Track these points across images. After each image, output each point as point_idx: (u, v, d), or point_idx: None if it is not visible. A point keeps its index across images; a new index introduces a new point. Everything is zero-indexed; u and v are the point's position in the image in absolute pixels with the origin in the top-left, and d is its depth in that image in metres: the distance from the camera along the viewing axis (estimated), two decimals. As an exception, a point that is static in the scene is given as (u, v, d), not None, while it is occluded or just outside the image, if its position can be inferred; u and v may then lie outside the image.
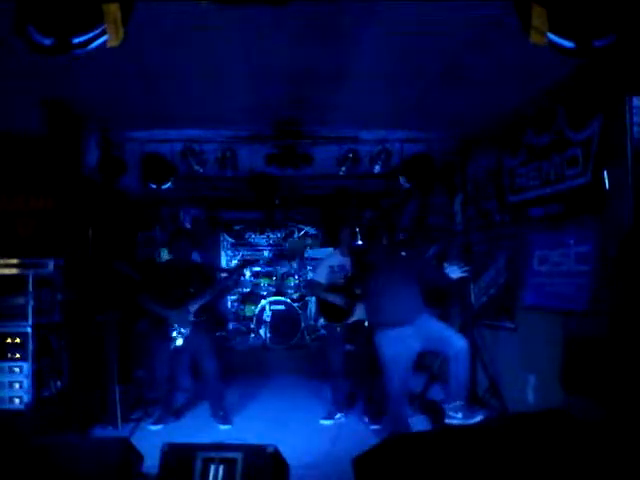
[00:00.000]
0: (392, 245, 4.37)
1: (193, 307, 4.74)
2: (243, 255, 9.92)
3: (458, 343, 3.92)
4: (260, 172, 5.86)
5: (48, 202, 4.65)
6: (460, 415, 3.94)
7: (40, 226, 4.61)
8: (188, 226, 8.84)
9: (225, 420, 4.84)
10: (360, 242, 5.93)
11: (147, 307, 4.79)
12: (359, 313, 4.91)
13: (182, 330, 4.69)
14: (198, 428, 4.73)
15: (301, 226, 10.02)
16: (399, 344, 3.93)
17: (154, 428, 4.74)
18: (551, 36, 2.35)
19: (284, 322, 8.19)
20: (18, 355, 4.16)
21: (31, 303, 4.21)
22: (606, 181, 3.50)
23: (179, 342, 4.68)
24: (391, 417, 4.13)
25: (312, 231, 10.00)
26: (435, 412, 4.74)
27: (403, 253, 4.27)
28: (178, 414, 5.17)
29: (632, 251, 3.25)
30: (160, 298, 4.74)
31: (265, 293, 9.05)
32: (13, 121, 4.61)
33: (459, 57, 3.64)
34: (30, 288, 4.22)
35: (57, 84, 4.00)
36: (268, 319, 8.15)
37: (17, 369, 4.15)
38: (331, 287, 5.07)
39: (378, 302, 4.12)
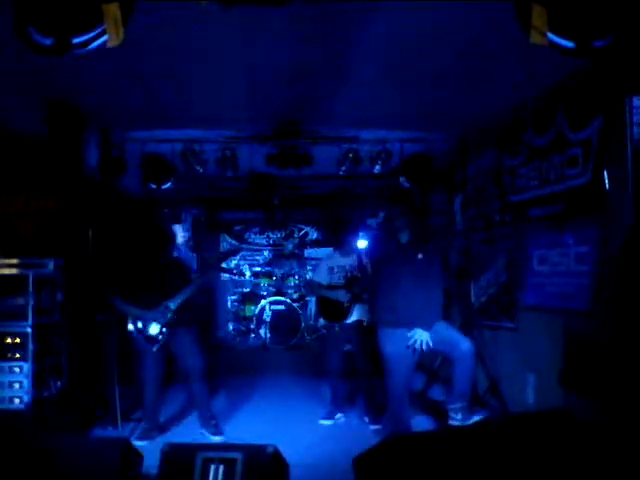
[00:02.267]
0: (411, 244, 4.23)
1: (173, 304, 4.40)
2: (243, 255, 9.93)
3: (465, 346, 3.91)
4: (260, 172, 5.87)
5: (48, 202, 4.65)
6: (460, 416, 3.94)
7: (40, 226, 4.61)
8: (186, 226, 8.83)
9: (217, 430, 4.50)
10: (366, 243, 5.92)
11: (120, 309, 4.47)
12: (359, 313, 4.92)
13: (159, 334, 4.37)
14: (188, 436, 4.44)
15: (301, 226, 10.03)
16: (402, 343, 3.92)
17: (139, 444, 3.99)
18: (551, 36, 2.35)
19: (284, 322, 8.19)
20: (18, 355, 4.16)
21: (31, 303, 4.20)
22: (606, 181, 3.50)
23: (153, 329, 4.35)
24: (392, 417, 4.13)
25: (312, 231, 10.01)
26: (436, 413, 4.74)
27: (420, 255, 4.10)
28: (163, 428, 4.75)
29: (633, 251, 3.25)
30: (135, 296, 4.44)
31: (265, 293, 9.05)
32: (13, 121, 4.62)
33: (459, 57, 3.64)
34: (30, 288, 4.21)
35: (57, 84, 4.00)
36: (268, 319, 8.16)
37: (17, 369, 4.15)
38: (331, 287, 5.08)
39: (388, 301, 4.03)
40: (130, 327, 4.44)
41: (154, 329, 4.39)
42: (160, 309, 4.40)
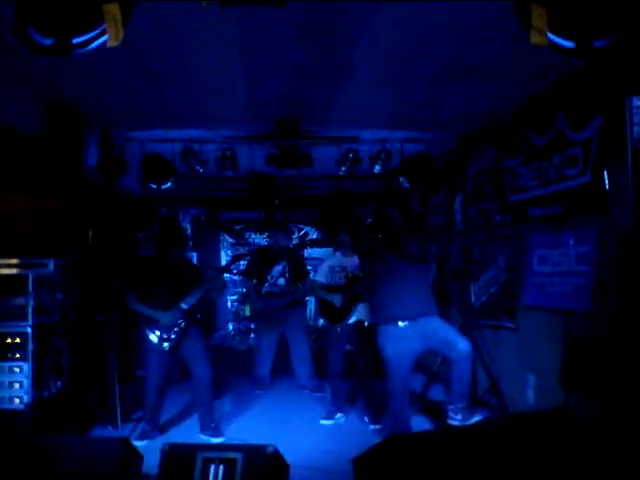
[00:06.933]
0: (400, 240, 4.24)
1: (186, 304, 4.42)
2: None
3: (462, 346, 3.91)
4: (260, 172, 5.86)
5: (48, 202, 4.64)
6: (460, 417, 3.94)
7: (40, 226, 4.61)
8: (187, 226, 8.84)
9: (217, 432, 4.48)
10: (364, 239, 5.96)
11: (134, 309, 4.49)
12: (359, 313, 4.92)
13: (172, 334, 4.40)
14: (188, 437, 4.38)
15: (301, 226, 10.03)
16: (401, 343, 3.93)
17: (139, 444, 3.94)
18: (551, 36, 2.35)
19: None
20: (18, 355, 4.16)
21: (31, 303, 4.20)
22: (606, 181, 3.50)
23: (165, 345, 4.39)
24: (392, 416, 4.13)
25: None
26: (436, 413, 4.74)
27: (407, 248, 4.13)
28: (163, 429, 4.75)
29: (632, 251, 3.25)
30: (148, 297, 4.45)
31: (265, 293, 9.03)
32: (13, 120, 4.62)
33: (459, 57, 3.64)
34: (30, 288, 4.21)
35: (57, 84, 4.01)
36: (268, 319, 8.14)
37: (17, 369, 4.15)
38: (331, 287, 5.09)
39: (380, 298, 4.10)
40: (153, 338, 4.41)
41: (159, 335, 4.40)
42: (173, 310, 4.40)
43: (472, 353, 4.00)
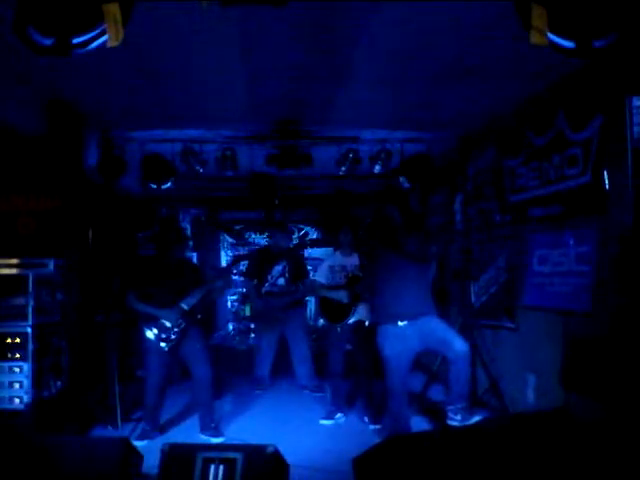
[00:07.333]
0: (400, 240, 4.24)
1: (187, 305, 4.43)
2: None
3: (459, 346, 3.90)
4: (260, 172, 5.87)
5: (48, 202, 4.65)
6: (459, 417, 3.94)
7: (40, 226, 4.61)
8: (187, 226, 8.84)
9: (217, 432, 4.48)
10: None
11: (135, 308, 4.50)
12: (360, 313, 4.92)
13: (171, 335, 4.40)
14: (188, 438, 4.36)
15: (301, 226, 10.03)
16: (400, 343, 3.93)
17: (139, 444, 3.94)
18: (551, 36, 2.35)
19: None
20: (18, 355, 4.16)
21: (31, 303, 4.20)
22: (606, 181, 3.50)
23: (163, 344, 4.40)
24: (392, 416, 4.13)
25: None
26: (435, 413, 4.74)
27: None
28: (163, 429, 4.75)
29: (632, 251, 3.25)
30: (149, 296, 4.46)
31: (265, 293, 9.03)
32: (13, 120, 4.62)
33: (459, 57, 3.65)
34: (30, 288, 4.22)
35: (57, 83, 4.01)
36: (268, 319, 8.13)
37: (17, 369, 4.15)
38: (332, 287, 5.09)
39: (380, 297, 4.11)
40: (149, 335, 4.41)
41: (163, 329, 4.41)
42: (174, 309, 4.41)
43: (469, 353, 3.99)
